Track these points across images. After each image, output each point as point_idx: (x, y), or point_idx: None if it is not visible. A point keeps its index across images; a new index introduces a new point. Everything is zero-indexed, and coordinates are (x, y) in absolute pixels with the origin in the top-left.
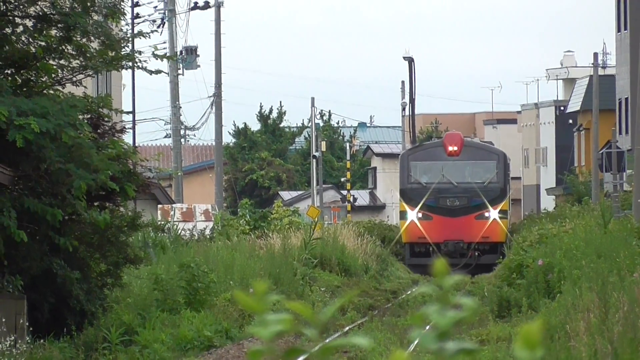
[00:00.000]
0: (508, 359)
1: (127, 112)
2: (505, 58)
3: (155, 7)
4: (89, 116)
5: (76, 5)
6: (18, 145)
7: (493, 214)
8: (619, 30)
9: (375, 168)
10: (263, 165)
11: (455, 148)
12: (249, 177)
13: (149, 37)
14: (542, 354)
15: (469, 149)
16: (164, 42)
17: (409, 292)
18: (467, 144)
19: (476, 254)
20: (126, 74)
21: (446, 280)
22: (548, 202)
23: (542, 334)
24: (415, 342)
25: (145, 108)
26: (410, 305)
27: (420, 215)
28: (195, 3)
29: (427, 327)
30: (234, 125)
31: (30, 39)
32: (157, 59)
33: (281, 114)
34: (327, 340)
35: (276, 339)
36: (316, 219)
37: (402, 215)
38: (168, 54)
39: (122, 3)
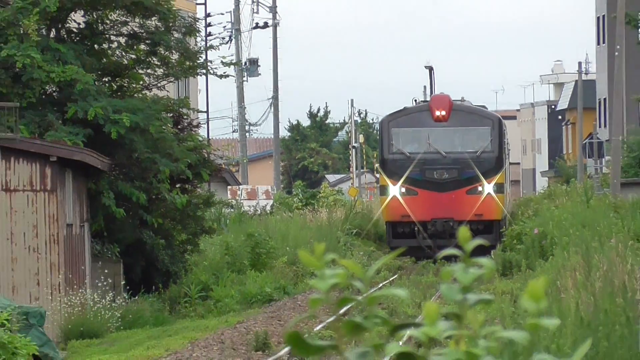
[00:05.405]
0: (511, 309)
1: (202, 111)
2: (507, 66)
3: (224, 26)
4: (171, 115)
5: (160, 25)
6: (112, 137)
7: (487, 188)
8: (598, 43)
9: None
10: (312, 154)
11: (443, 113)
12: (301, 163)
13: (219, 49)
14: (545, 305)
15: (459, 113)
16: (232, 55)
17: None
18: (456, 107)
19: None
20: (201, 80)
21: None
22: (542, 183)
23: (546, 288)
24: (437, 293)
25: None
26: (432, 267)
27: (403, 190)
28: (257, 23)
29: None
30: (289, 121)
31: (123, 53)
32: (225, 65)
33: (327, 113)
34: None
35: (332, 290)
36: (355, 197)
37: (383, 190)
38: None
39: (197, 23)
